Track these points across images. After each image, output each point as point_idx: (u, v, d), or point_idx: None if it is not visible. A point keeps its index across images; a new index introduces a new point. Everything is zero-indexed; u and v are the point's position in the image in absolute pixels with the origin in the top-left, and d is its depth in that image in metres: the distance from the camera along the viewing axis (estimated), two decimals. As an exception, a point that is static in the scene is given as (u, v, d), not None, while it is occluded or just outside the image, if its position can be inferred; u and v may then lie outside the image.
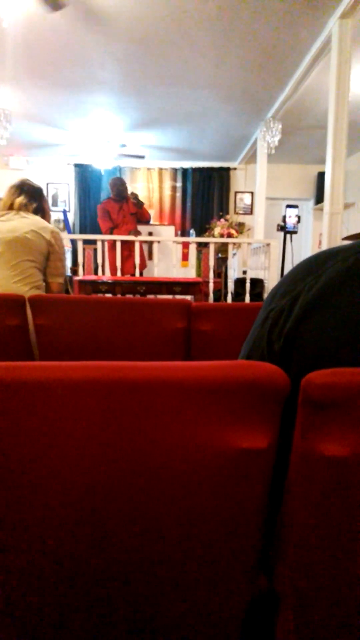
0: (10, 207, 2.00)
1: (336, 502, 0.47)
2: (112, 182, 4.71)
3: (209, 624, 0.57)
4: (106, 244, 4.31)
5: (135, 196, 4.62)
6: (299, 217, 3.69)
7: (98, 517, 0.49)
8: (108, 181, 6.95)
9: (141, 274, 4.53)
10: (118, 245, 4.13)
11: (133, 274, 4.23)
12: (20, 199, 2.00)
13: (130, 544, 0.50)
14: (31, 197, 2.04)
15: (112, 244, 4.21)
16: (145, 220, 4.84)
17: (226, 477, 0.45)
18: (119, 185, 4.64)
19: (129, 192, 4.68)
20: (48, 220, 2.07)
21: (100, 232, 4.79)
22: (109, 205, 4.65)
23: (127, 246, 4.19)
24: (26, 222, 1.91)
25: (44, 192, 2.15)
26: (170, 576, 0.53)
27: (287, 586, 0.55)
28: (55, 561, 0.52)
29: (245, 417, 0.43)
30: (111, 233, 4.53)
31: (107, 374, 0.44)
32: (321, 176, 6.97)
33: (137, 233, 4.54)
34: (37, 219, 1.96)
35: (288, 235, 3.84)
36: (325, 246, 3.36)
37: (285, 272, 4.48)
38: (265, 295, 4.33)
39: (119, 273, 4.18)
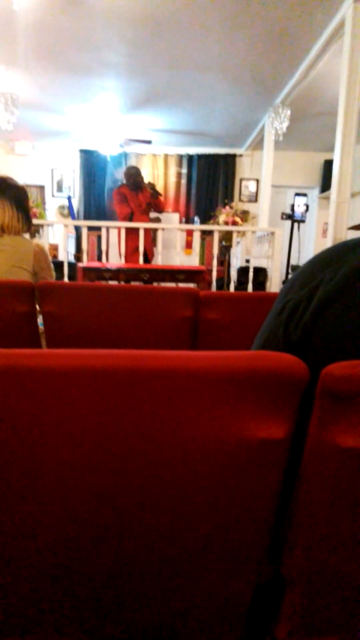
0: None
1: (349, 492, 0.48)
2: (127, 172, 4.52)
3: (215, 609, 0.58)
4: (110, 231, 4.27)
5: (152, 186, 4.50)
6: (307, 206, 3.66)
7: (110, 505, 0.50)
8: (116, 169, 6.87)
9: (149, 262, 4.49)
10: (122, 233, 4.10)
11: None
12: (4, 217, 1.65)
13: (142, 530, 0.51)
14: (18, 207, 1.68)
15: (128, 230, 4.12)
16: (160, 211, 4.74)
17: (242, 466, 0.46)
18: (135, 175, 4.45)
19: (146, 181, 4.55)
20: (30, 226, 1.76)
21: (111, 218, 4.70)
22: (125, 191, 4.47)
23: (136, 237, 4.11)
24: (5, 255, 1.60)
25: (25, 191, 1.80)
26: (179, 562, 0.54)
27: (295, 571, 0.56)
28: (66, 556, 0.53)
29: (264, 407, 0.43)
30: (131, 219, 4.36)
31: (126, 362, 0.44)
32: (327, 164, 6.87)
33: (158, 221, 4.47)
34: (19, 243, 1.66)
35: (295, 224, 3.81)
36: (330, 235, 3.33)
37: (292, 261, 4.46)
38: (269, 284, 4.31)
39: (122, 260, 4.16)
